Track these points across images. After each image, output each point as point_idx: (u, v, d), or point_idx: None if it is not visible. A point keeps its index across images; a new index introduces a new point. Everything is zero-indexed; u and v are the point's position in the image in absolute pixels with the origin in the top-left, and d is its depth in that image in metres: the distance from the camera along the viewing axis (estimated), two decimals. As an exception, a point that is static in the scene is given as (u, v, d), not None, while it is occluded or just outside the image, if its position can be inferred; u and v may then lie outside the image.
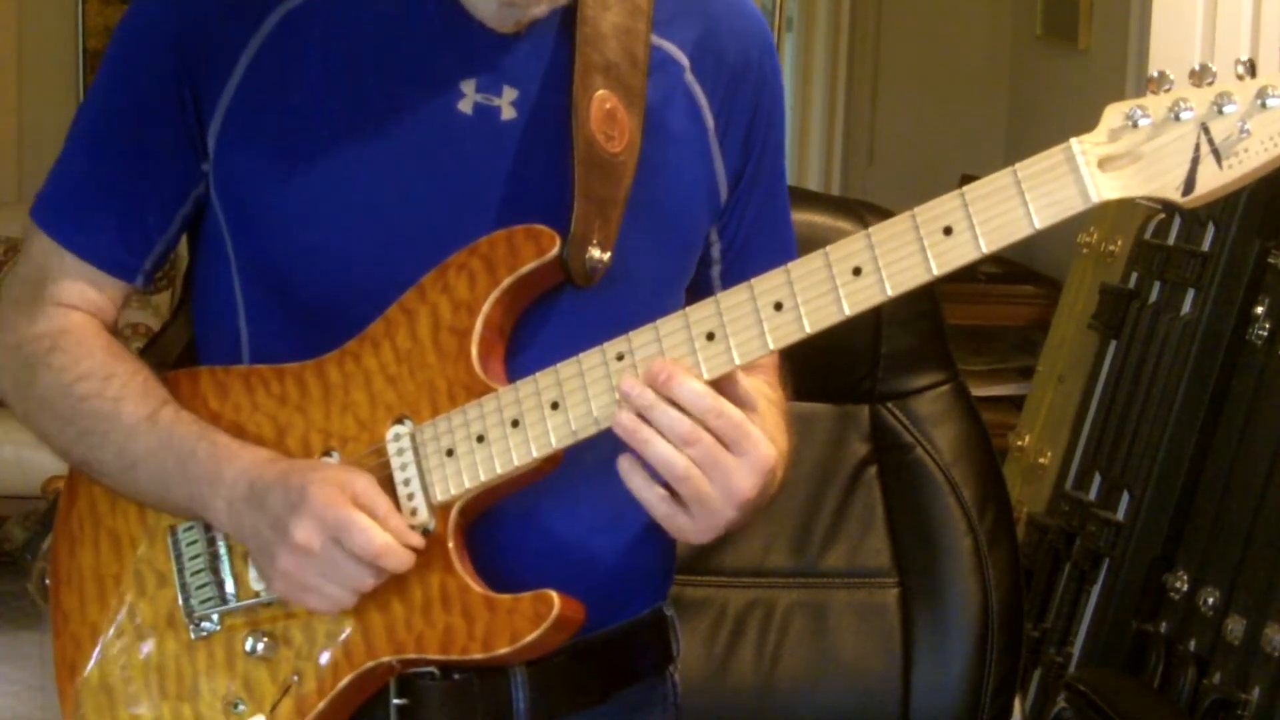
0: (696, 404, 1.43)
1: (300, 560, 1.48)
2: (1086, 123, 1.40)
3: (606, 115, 1.54)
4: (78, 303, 1.61)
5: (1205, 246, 2.83)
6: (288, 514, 1.48)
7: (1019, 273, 4.65)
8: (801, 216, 1.95)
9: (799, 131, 5.37)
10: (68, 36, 5.15)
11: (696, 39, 1.62)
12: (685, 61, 1.62)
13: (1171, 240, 2.93)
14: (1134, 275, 3.04)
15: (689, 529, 1.47)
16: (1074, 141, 1.35)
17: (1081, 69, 4.60)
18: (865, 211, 2.08)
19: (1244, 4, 2.92)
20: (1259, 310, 2.68)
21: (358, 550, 1.46)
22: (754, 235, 1.68)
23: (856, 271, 1.40)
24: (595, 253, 1.52)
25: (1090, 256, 3.31)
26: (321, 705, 1.54)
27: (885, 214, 2.05)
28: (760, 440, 1.45)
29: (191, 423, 1.56)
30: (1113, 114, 1.36)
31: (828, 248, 1.42)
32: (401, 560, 1.48)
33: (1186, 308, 2.85)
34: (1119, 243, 3.16)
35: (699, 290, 1.64)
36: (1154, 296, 2.96)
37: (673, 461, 1.44)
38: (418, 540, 1.49)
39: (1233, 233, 2.77)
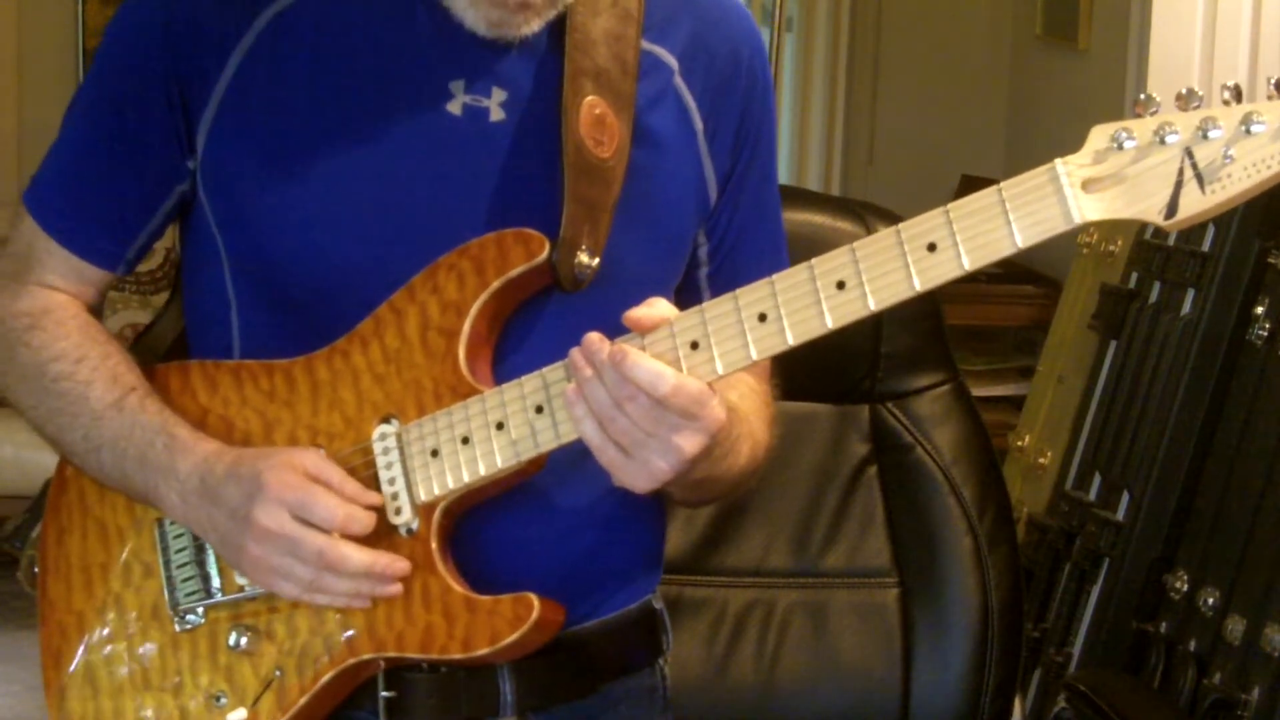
0: (642, 378, 1.42)
1: (267, 545, 1.50)
2: (1086, 123, 1.40)
3: (596, 120, 1.55)
4: (60, 286, 1.64)
5: (1205, 246, 2.83)
6: (247, 502, 1.50)
7: (1019, 273, 4.65)
8: (801, 216, 1.95)
9: (799, 131, 5.36)
10: (68, 36, 5.15)
11: (686, 42, 1.63)
12: (675, 65, 1.62)
13: (1171, 240, 2.93)
14: (1134, 275, 3.04)
15: (625, 476, 1.46)
16: (1059, 162, 1.36)
17: (1081, 69, 4.60)
18: (865, 211, 2.07)
19: (1244, 5, 2.92)
20: (1259, 310, 2.68)
21: (322, 523, 1.49)
22: (743, 237, 1.68)
23: (840, 285, 1.41)
24: (584, 258, 1.53)
25: (1090, 256, 3.31)
26: (303, 701, 1.55)
27: (885, 214, 2.06)
28: (705, 402, 1.44)
29: (155, 412, 1.58)
30: (1098, 135, 1.36)
31: (813, 260, 1.42)
32: (364, 525, 1.50)
33: (1186, 308, 2.85)
34: (1119, 243, 3.16)
35: (688, 292, 1.65)
36: (1154, 296, 2.96)
37: (590, 435, 1.45)
38: (375, 499, 1.52)
39: (1233, 233, 2.77)
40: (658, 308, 1.46)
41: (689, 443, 1.44)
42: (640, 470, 1.45)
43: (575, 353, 1.45)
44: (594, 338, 1.44)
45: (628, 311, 1.46)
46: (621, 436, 1.44)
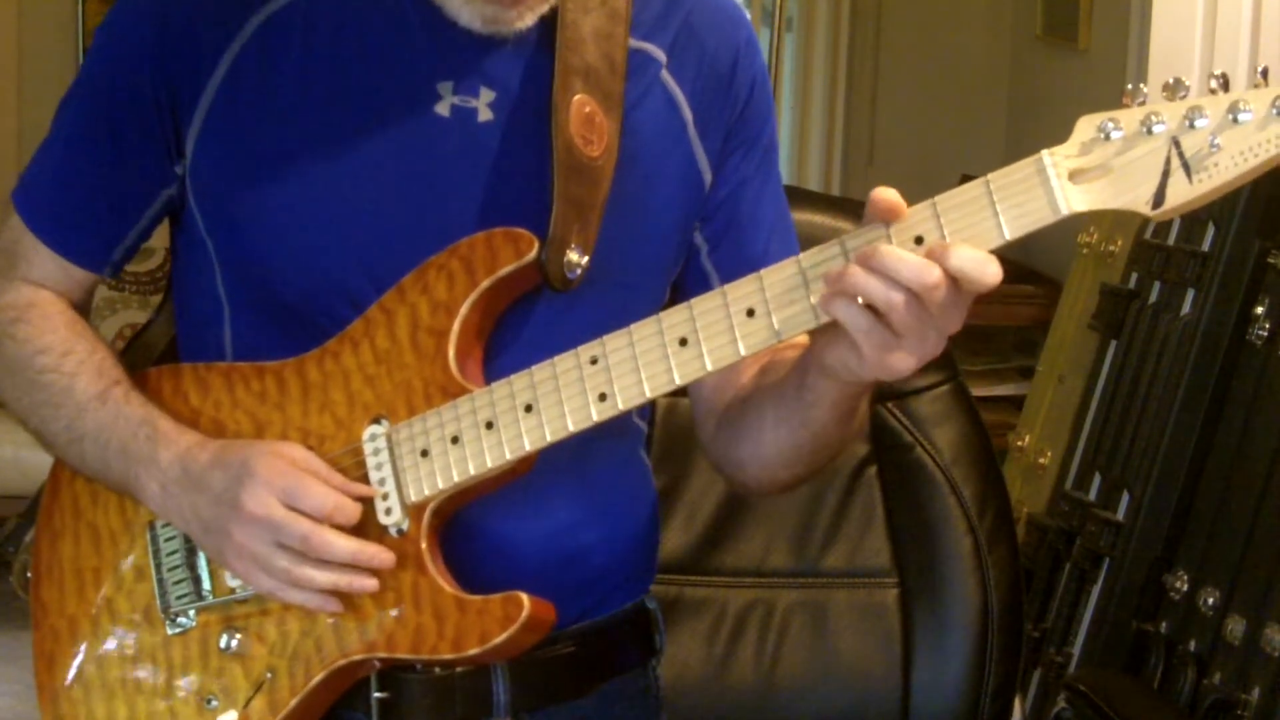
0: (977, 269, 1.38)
1: (253, 531, 1.49)
2: (1086, 123, 1.39)
3: (585, 119, 1.55)
4: (47, 284, 1.65)
5: (1205, 246, 2.83)
6: (235, 488, 1.50)
7: (1019, 273, 4.65)
8: (801, 216, 1.95)
9: (799, 131, 5.37)
10: (68, 36, 5.15)
11: (675, 36, 1.63)
12: (663, 58, 1.62)
13: (1171, 240, 2.93)
14: (1134, 275, 3.04)
15: (887, 362, 1.41)
16: (1045, 154, 1.35)
17: (1081, 69, 4.60)
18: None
19: (1244, 4, 2.92)
20: (1259, 310, 2.68)
21: (312, 509, 1.49)
22: (740, 212, 1.66)
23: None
24: (574, 256, 1.53)
25: (1090, 256, 3.31)
26: (293, 703, 1.55)
27: (885, 214, 2.05)
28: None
29: (139, 405, 1.59)
30: (1085, 126, 1.36)
31: (800, 255, 1.42)
32: (350, 516, 1.50)
33: (1186, 308, 2.85)
34: (1119, 243, 3.16)
35: (693, 279, 1.65)
36: (1154, 296, 2.96)
37: (856, 326, 1.38)
38: (365, 490, 1.52)
39: (1233, 233, 2.77)
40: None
41: (955, 323, 1.41)
42: (906, 356, 1.39)
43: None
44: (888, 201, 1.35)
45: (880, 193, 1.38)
46: (901, 325, 1.38)
